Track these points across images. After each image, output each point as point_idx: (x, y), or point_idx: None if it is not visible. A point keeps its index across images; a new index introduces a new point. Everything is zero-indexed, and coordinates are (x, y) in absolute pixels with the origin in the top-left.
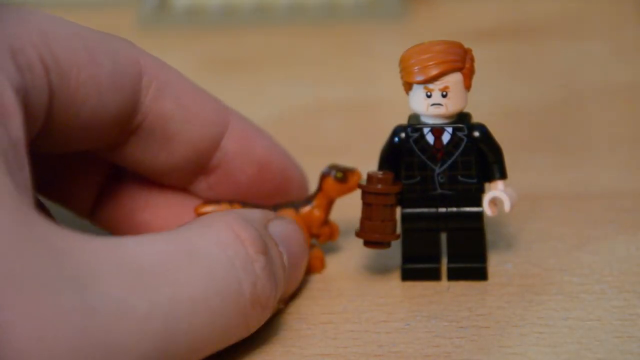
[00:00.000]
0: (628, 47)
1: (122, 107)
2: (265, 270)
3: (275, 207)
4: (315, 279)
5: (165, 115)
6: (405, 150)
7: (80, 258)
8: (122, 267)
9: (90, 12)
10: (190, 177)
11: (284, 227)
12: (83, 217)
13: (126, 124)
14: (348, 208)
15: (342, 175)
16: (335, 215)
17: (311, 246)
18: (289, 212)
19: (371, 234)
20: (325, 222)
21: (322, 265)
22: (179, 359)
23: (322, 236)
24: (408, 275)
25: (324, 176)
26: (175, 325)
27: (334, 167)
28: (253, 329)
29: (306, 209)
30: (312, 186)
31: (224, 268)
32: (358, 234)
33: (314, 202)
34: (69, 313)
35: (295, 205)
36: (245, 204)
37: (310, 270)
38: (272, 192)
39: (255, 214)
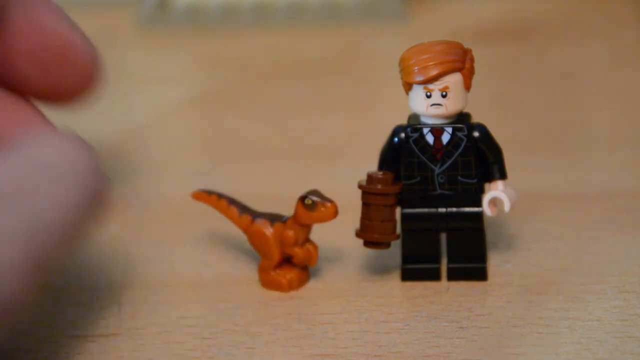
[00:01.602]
0: (628, 47)
1: None
2: (102, 167)
3: (256, 215)
4: (315, 279)
5: None
6: (404, 151)
7: None
8: None
9: (90, 12)
10: None
11: None
12: None
13: None
14: (348, 208)
15: (310, 203)
16: (338, 216)
17: (284, 266)
18: (264, 222)
19: (371, 234)
20: (297, 243)
21: (285, 286)
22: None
23: (294, 257)
24: (408, 275)
25: (298, 199)
26: (45, 235)
27: (312, 193)
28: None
29: (279, 225)
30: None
31: (75, 173)
32: (358, 234)
33: (287, 222)
34: None
35: (273, 217)
36: (232, 200)
37: (274, 287)
38: (54, 61)
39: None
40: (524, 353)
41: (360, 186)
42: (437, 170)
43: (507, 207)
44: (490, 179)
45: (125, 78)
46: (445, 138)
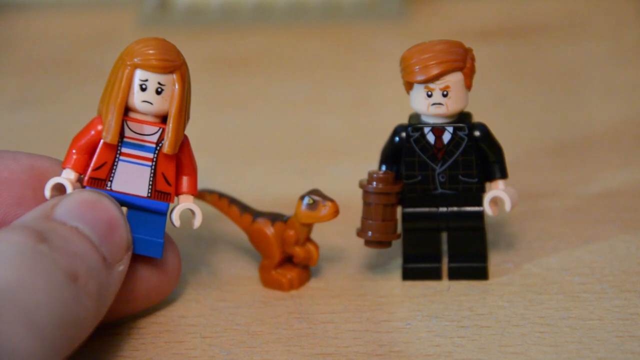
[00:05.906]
0: (628, 47)
1: None
2: (55, 251)
3: (257, 214)
4: (316, 279)
5: None
6: (406, 150)
7: None
8: None
9: (90, 12)
10: None
11: (71, 204)
12: None
13: None
14: (349, 208)
15: (311, 202)
16: (338, 215)
17: (279, 267)
18: (265, 222)
19: (372, 233)
20: (298, 243)
21: (286, 285)
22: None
23: (295, 257)
24: (409, 274)
25: (299, 198)
26: None
27: (313, 192)
28: (88, 301)
29: (280, 224)
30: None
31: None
32: (359, 234)
33: (288, 221)
34: None
35: (274, 217)
36: (233, 200)
37: (275, 286)
38: None
39: (38, 209)
40: (524, 352)
41: (361, 185)
42: (438, 169)
43: (508, 206)
44: (491, 178)
45: None
46: (446, 137)
